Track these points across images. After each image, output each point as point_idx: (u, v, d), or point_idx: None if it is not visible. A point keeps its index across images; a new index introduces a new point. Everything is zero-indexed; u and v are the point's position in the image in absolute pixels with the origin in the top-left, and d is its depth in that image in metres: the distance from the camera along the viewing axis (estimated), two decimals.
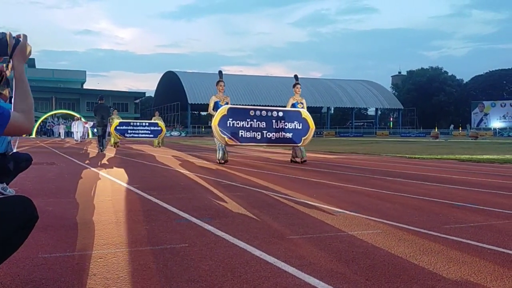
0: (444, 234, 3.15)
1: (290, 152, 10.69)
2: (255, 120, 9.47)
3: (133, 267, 2.36)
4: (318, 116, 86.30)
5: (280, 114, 9.71)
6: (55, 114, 57.47)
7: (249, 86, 71.98)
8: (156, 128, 20.26)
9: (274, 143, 9.81)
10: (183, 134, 61.12)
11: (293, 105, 10.27)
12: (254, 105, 15.04)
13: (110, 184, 6.05)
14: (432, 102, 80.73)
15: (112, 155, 13.36)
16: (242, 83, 72.50)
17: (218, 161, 9.58)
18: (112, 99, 66.51)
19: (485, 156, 12.43)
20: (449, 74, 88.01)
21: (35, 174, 7.05)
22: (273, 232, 3.18)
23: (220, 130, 9.15)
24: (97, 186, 5.79)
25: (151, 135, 20.18)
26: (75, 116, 40.33)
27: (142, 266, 2.38)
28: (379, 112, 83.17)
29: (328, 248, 2.76)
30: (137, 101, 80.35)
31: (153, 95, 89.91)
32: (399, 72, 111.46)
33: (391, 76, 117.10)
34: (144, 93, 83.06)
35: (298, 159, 10.05)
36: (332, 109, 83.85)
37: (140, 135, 19.94)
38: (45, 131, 53.16)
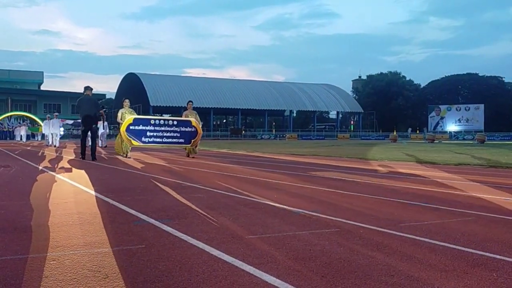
0: (399, 232, 3.23)
1: None
2: None
3: (87, 268, 2.31)
4: (280, 119, 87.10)
5: None
6: (11, 116, 55.55)
7: (213, 89, 71.74)
8: (188, 129, 13.03)
9: None
10: None
11: None
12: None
13: (66, 187, 5.90)
14: (391, 106, 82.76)
15: (71, 157, 13.02)
16: (205, 85, 72.23)
17: None
18: (70, 101, 64.88)
19: (439, 158, 12.82)
20: (407, 78, 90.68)
21: None
22: (232, 233, 3.18)
23: None
24: (53, 189, 5.64)
25: (181, 140, 12.99)
26: (31, 118, 38.88)
27: (97, 267, 2.33)
28: (340, 116, 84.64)
29: (286, 247, 2.79)
30: None
31: (113, 97, 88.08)
32: (359, 77, 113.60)
33: (352, 80, 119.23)
34: (105, 95, 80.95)
35: None
36: (295, 112, 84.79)
37: (165, 140, 12.78)
38: None
